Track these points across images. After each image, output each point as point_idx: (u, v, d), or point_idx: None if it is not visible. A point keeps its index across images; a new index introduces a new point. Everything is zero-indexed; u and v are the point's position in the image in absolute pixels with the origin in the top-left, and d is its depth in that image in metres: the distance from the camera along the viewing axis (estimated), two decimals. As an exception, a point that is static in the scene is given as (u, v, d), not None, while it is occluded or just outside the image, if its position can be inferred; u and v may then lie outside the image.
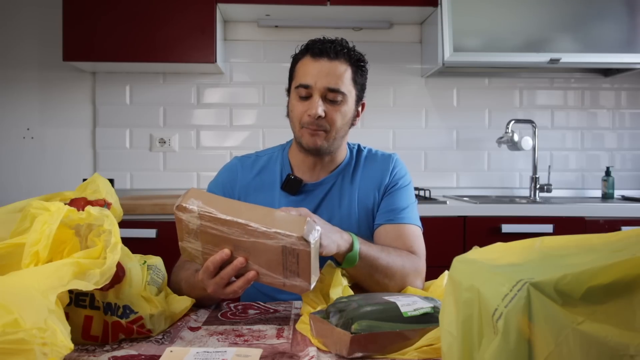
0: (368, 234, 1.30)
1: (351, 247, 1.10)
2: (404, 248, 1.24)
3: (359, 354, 0.83)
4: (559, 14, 2.47)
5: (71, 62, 2.48)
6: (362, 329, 0.83)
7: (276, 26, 2.75)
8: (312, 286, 0.95)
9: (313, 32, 2.69)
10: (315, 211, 1.31)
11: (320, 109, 1.23)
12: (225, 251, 0.95)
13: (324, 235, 1.02)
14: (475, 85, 2.85)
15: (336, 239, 1.07)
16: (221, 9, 2.54)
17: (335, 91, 1.24)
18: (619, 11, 2.46)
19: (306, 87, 1.24)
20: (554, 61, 2.43)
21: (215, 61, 2.45)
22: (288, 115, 1.34)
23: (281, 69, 2.73)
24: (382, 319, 0.85)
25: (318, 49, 1.25)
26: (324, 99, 1.25)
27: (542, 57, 2.42)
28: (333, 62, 1.24)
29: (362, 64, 1.30)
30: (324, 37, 1.29)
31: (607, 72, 2.84)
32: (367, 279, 1.15)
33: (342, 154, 1.38)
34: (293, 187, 1.32)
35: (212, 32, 2.43)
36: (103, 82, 2.73)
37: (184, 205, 0.93)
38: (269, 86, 2.79)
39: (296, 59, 1.31)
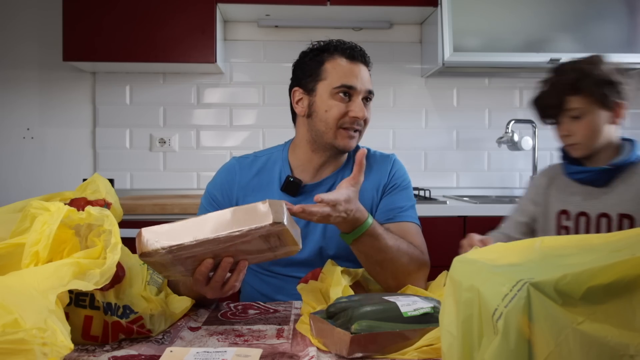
0: None
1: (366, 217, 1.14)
2: None
3: (359, 354, 0.83)
4: (559, 14, 2.47)
5: (71, 62, 2.48)
6: (362, 329, 0.83)
7: (276, 26, 2.75)
8: (301, 244, 0.97)
9: (313, 32, 2.70)
10: None
11: (365, 111, 1.29)
12: (208, 261, 0.93)
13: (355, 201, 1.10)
14: (475, 85, 2.85)
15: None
16: (221, 9, 2.54)
17: (371, 92, 1.31)
18: (619, 11, 2.46)
19: (350, 88, 1.27)
20: (554, 61, 2.43)
21: (215, 61, 2.45)
22: (309, 115, 1.31)
23: (281, 69, 2.73)
24: (382, 319, 0.85)
25: (356, 53, 1.30)
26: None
27: (542, 57, 2.42)
28: (364, 66, 1.31)
29: (370, 65, 1.36)
30: (342, 40, 1.32)
31: (607, 72, 2.84)
32: (374, 254, 1.16)
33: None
34: (292, 189, 1.32)
35: (212, 32, 2.43)
36: (103, 82, 2.73)
37: (148, 250, 0.88)
38: (269, 86, 2.79)
39: (322, 58, 1.30)
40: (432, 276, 1.22)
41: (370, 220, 1.14)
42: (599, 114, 1.29)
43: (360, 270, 1.21)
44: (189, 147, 2.77)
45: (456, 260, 0.68)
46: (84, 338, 0.90)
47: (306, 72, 1.32)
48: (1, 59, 2.71)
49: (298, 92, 1.33)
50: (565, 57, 2.41)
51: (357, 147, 1.42)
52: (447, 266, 0.73)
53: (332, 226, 1.16)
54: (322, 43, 1.33)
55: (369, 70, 1.33)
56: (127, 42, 2.40)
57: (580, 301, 0.56)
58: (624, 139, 1.37)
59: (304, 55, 1.35)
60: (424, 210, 2.15)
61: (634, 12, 2.46)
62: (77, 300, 0.89)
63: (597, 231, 1.31)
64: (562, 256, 0.62)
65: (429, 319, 0.87)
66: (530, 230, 1.44)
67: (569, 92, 1.29)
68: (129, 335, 0.93)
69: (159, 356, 0.81)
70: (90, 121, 2.75)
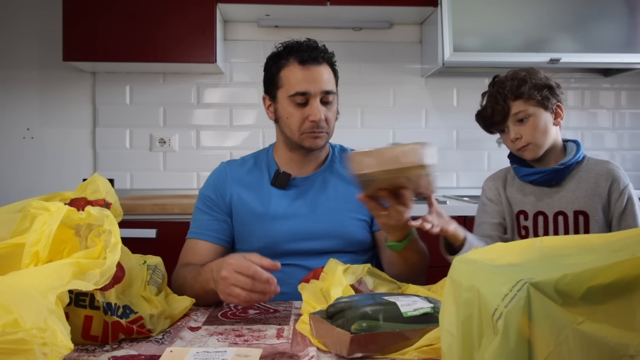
0: (359, 226, 1.37)
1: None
2: None
3: (359, 354, 0.83)
4: (559, 14, 2.47)
5: (71, 62, 2.47)
6: (362, 329, 0.83)
7: (276, 26, 2.75)
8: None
9: (313, 32, 2.69)
10: (305, 203, 1.36)
11: (322, 113, 1.28)
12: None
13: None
14: (475, 85, 2.85)
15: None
16: (221, 9, 2.54)
17: (330, 92, 1.30)
18: (619, 11, 2.46)
19: (304, 94, 1.28)
20: (554, 61, 2.43)
21: (215, 61, 2.45)
22: (277, 121, 1.36)
23: (281, 69, 2.73)
24: (382, 319, 0.85)
25: (306, 56, 1.29)
26: (319, 102, 1.29)
27: (542, 57, 2.42)
28: (320, 66, 1.30)
29: (335, 61, 1.36)
30: (298, 41, 1.34)
31: (607, 72, 2.84)
32: (411, 257, 1.25)
33: (327, 149, 1.43)
34: (282, 181, 1.36)
35: (212, 32, 2.43)
36: (103, 82, 2.73)
37: (363, 172, 1.04)
38: (269, 86, 2.78)
39: (279, 66, 1.33)
40: (433, 277, 1.22)
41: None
42: (542, 115, 1.37)
43: (364, 266, 1.20)
44: (189, 147, 2.77)
45: (456, 260, 0.68)
46: (84, 338, 0.90)
47: (268, 79, 1.36)
48: (1, 59, 2.71)
49: (267, 99, 1.38)
50: (565, 57, 2.43)
51: (341, 146, 1.46)
52: (447, 266, 0.73)
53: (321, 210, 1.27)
54: (281, 47, 1.35)
55: (331, 66, 1.33)
56: (127, 42, 2.40)
57: (580, 301, 0.56)
58: (566, 140, 1.44)
59: (267, 61, 1.39)
60: (424, 210, 2.14)
61: (634, 12, 2.46)
62: (77, 300, 0.89)
63: (555, 229, 1.38)
64: (562, 256, 0.62)
65: (429, 319, 0.87)
66: (504, 229, 1.48)
67: (511, 97, 1.36)
68: (129, 335, 0.93)
69: (159, 356, 0.81)
70: (90, 121, 2.75)
